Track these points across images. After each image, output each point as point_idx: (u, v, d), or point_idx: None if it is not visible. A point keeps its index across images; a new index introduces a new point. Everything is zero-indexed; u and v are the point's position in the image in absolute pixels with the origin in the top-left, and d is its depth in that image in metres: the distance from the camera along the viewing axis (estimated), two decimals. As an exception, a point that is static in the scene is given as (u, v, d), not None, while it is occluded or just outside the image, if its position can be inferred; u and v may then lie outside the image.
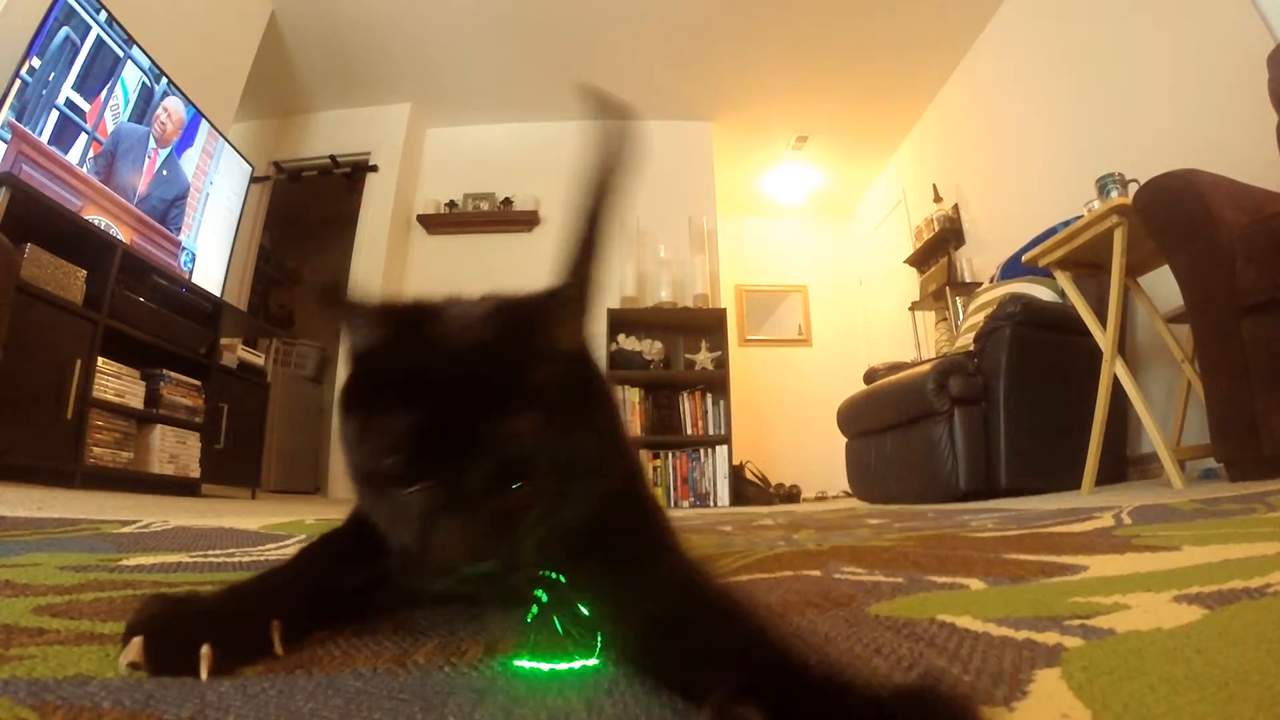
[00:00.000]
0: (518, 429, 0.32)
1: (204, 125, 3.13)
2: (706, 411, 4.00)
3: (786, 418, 5.23)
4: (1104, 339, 1.94)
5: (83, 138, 2.46)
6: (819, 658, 0.25)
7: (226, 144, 3.34)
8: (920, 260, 4.38)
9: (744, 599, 0.33)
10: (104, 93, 2.54)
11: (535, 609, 0.35)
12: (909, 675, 0.31)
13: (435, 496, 0.31)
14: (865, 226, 5.64)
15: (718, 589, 0.35)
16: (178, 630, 0.31)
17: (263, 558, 0.76)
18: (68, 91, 2.39)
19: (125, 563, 0.66)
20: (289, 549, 0.88)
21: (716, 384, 3.99)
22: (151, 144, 2.82)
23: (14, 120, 2.17)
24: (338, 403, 0.36)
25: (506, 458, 0.31)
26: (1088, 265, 2.12)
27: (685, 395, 4.02)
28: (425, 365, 0.33)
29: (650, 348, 4.02)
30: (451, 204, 4.54)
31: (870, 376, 3.25)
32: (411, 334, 0.34)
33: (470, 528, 0.31)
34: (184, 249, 3.07)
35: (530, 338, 0.34)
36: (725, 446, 3.91)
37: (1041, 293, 2.54)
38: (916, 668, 0.32)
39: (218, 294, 3.18)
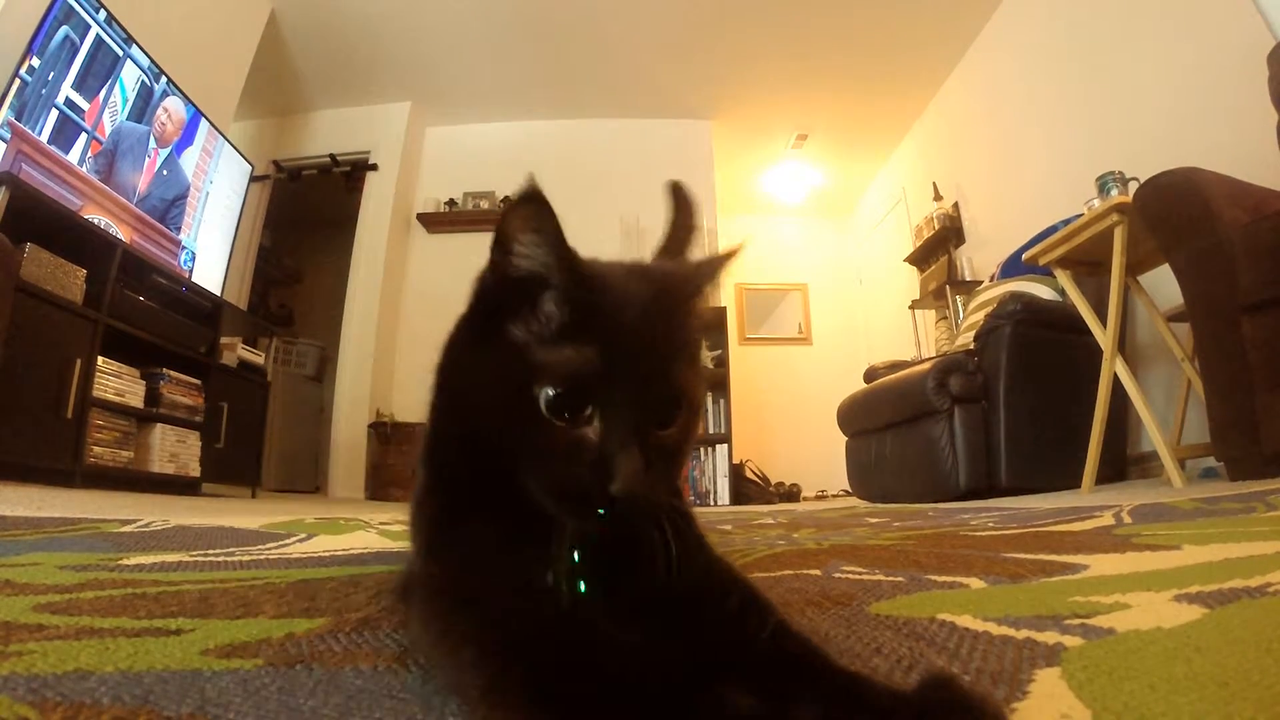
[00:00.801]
0: (684, 375, 0.34)
1: (204, 124, 3.13)
2: (707, 410, 4.00)
3: (786, 417, 5.23)
4: (1104, 337, 1.94)
5: (82, 137, 2.46)
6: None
7: (226, 143, 3.34)
8: (920, 258, 4.38)
9: (758, 591, 0.34)
10: (103, 92, 2.54)
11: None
12: (909, 675, 0.31)
13: (621, 429, 0.32)
14: (865, 225, 5.63)
15: (736, 578, 0.36)
16: None
17: (263, 556, 0.76)
18: (67, 91, 2.38)
19: (125, 562, 0.66)
20: (289, 547, 0.88)
21: (716, 383, 3.99)
22: (152, 143, 2.82)
23: (14, 119, 2.17)
24: (470, 322, 0.36)
25: (674, 400, 0.34)
26: (1088, 263, 2.12)
27: (685, 394, 4.02)
28: (606, 306, 0.33)
29: (650, 346, 4.01)
30: (451, 202, 4.54)
31: (870, 375, 3.25)
32: (589, 273, 0.34)
33: (653, 461, 0.32)
34: (184, 248, 3.07)
35: (688, 299, 0.37)
36: (725, 445, 3.91)
37: (1042, 291, 2.54)
38: (917, 667, 0.32)
39: (218, 293, 3.18)
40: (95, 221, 2.46)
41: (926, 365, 2.55)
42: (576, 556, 0.34)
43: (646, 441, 0.32)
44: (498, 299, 0.35)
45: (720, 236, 4.56)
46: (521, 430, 0.33)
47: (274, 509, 1.94)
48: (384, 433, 3.85)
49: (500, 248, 0.34)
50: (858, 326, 5.58)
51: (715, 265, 0.39)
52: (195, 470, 2.71)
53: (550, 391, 0.32)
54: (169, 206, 2.97)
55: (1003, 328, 2.37)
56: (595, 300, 0.33)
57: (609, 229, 4.28)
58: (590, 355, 0.32)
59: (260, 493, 3.33)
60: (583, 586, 0.34)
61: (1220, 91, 2.31)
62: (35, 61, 2.24)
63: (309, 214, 5.07)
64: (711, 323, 4.08)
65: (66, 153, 2.39)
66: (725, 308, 4.22)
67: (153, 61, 2.75)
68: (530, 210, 0.32)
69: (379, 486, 3.79)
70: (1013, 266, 2.88)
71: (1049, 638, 0.35)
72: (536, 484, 0.33)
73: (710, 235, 4.42)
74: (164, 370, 2.61)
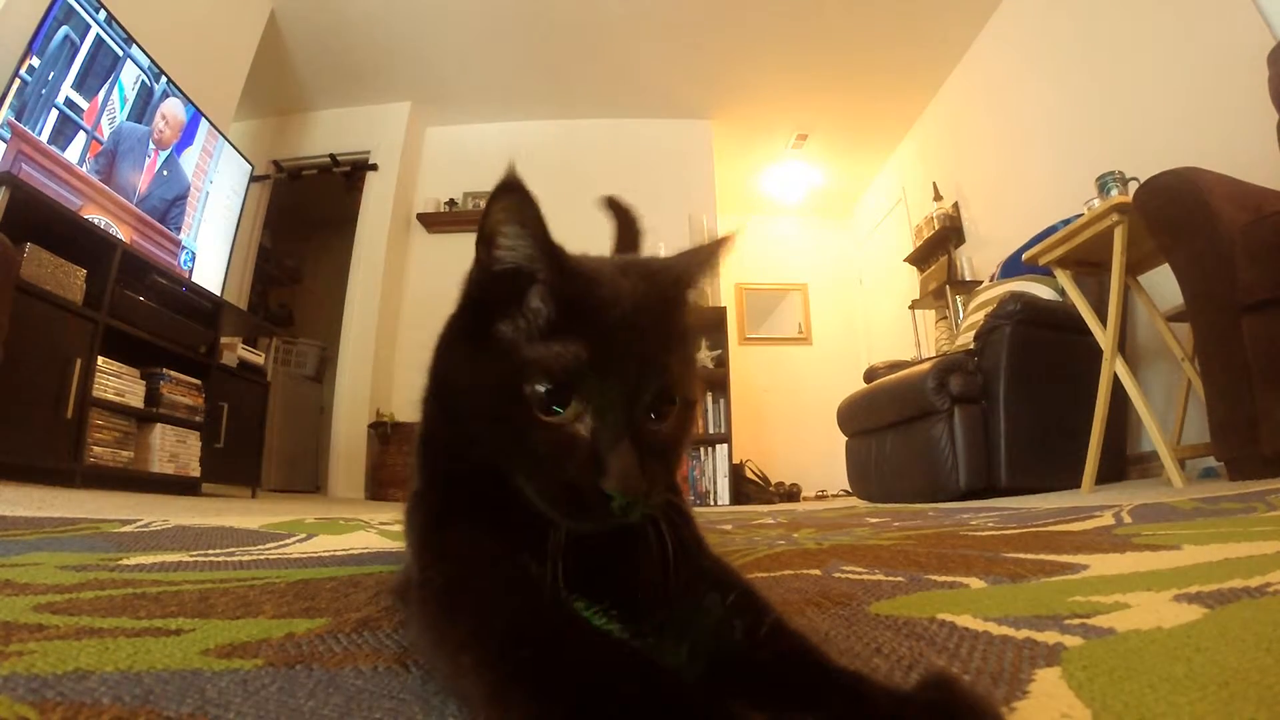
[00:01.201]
0: (677, 370, 0.34)
1: (204, 124, 3.13)
2: (706, 410, 4.00)
3: (786, 416, 5.23)
4: (1104, 337, 1.94)
5: (81, 136, 2.46)
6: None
7: (226, 143, 3.34)
8: (920, 258, 4.38)
9: (755, 590, 0.34)
10: (103, 92, 2.54)
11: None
12: (909, 675, 0.31)
13: (613, 425, 0.31)
14: (865, 225, 5.63)
15: (734, 577, 0.36)
16: None
17: (263, 556, 0.76)
18: (67, 91, 2.38)
19: (125, 562, 0.66)
20: (289, 548, 0.88)
21: (716, 383, 3.99)
22: (151, 144, 2.82)
23: (14, 119, 2.17)
24: (459, 321, 0.36)
25: (667, 395, 0.33)
26: (1088, 263, 2.12)
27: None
28: (595, 300, 0.33)
29: (650, 346, 4.02)
30: (451, 202, 4.54)
31: (870, 375, 3.25)
32: (575, 267, 0.33)
33: (646, 457, 0.32)
34: (184, 248, 3.07)
35: (679, 292, 0.37)
36: (725, 445, 3.91)
37: (1042, 291, 2.54)
38: (917, 667, 0.32)
39: (218, 293, 3.17)
40: (95, 221, 2.46)
41: (926, 365, 2.55)
42: (572, 556, 0.33)
43: (640, 438, 0.32)
44: (485, 296, 0.34)
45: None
46: (513, 429, 0.32)
47: (274, 509, 1.94)
48: (384, 433, 3.85)
49: (484, 242, 0.34)
50: (858, 326, 5.58)
51: (706, 256, 0.38)
52: (195, 470, 2.71)
53: (540, 389, 0.31)
54: (169, 206, 2.97)
55: (1003, 328, 2.37)
56: (583, 294, 0.33)
57: (610, 229, 4.29)
58: (579, 351, 0.31)
59: (260, 493, 3.33)
60: (578, 586, 0.34)
61: (1220, 91, 2.31)
62: (35, 61, 2.24)
63: (309, 214, 5.07)
64: (711, 322, 4.09)
65: (65, 152, 2.39)
66: (725, 308, 4.22)
67: (153, 61, 2.75)
68: (510, 201, 0.31)
69: (379, 486, 3.79)
70: (1013, 266, 2.88)
71: (1049, 637, 0.35)
72: (529, 483, 0.33)
73: (710, 235, 4.41)
74: (164, 370, 2.61)
